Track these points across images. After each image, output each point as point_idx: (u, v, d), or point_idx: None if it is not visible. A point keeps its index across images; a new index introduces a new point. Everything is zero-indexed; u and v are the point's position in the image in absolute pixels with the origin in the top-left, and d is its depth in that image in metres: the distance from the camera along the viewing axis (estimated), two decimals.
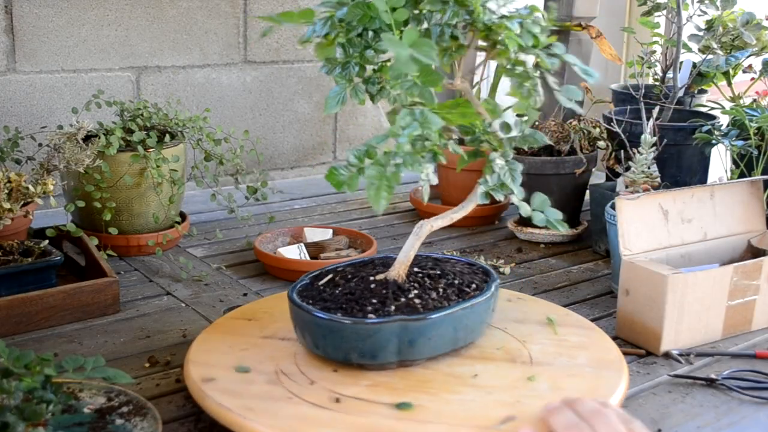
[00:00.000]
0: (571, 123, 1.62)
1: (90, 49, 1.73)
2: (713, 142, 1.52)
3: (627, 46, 2.34)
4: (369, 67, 0.89)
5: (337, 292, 0.98)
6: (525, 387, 0.91)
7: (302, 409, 0.86)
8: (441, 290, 0.98)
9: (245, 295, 1.29)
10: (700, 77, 1.77)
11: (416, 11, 0.86)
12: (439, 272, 1.02)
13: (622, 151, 1.52)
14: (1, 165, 1.33)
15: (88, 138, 1.36)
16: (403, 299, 0.95)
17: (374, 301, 0.94)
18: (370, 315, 0.92)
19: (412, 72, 0.78)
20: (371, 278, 0.99)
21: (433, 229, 1.00)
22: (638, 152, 1.37)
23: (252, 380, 0.92)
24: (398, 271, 0.99)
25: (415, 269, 1.03)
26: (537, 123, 1.61)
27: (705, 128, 1.53)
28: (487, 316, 1.00)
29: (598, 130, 1.61)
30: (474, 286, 1.00)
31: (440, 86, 0.82)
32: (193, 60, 1.86)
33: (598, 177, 1.78)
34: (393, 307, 0.93)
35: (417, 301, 0.95)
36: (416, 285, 0.98)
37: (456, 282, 1.01)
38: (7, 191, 1.24)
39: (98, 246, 1.32)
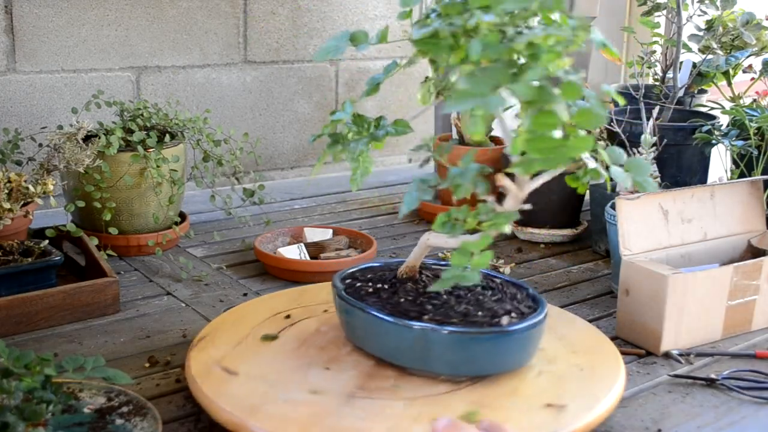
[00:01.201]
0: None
1: (90, 49, 1.73)
2: (713, 142, 1.52)
3: (627, 46, 2.35)
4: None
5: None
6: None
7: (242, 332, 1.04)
8: (407, 299, 0.96)
9: (245, 295, 1.29)
10: (700, 77, 1.77)
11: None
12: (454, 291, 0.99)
13: None
14: (1, 166, 1.33)
15: (88, 138, 1.36)
16: (369, 285, 1.01)
17: (369, 276, 1.04)
18: (348, 281, 1.03)
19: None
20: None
21: (429, 244, 0.98)
22: (638, 152, 1.37)
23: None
24: (400, 269, 1.03)
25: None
26: None
27: (705, 128, 1.53)
28: (451, 356, 0.90)
29: (598, 129, 1.61)
30: (462, 318, 0.93)
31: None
32: (193, 60, 1.86)
33: None
34: (358, 283, 1.02)
35: (369, 290, 1.00)
36: (394, 285, 1.01)
37: (450, 303, 0.96)
38: (7, 191, 1.24)
39: (98, 246, 1.32)
